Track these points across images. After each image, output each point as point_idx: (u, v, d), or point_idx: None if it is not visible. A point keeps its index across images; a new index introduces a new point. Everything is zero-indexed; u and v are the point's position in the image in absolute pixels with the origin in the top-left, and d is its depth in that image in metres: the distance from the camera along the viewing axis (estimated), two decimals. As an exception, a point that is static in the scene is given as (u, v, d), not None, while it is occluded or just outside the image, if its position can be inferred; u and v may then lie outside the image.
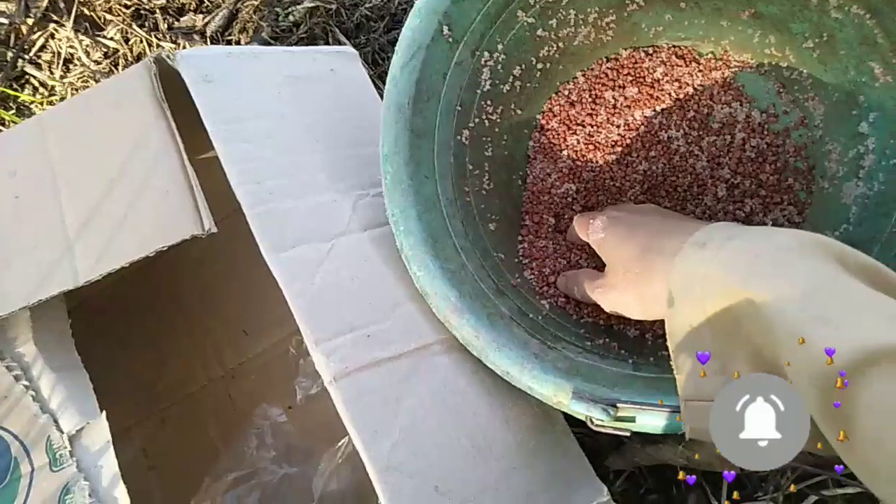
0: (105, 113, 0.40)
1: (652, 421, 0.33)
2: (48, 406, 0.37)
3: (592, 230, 0.41)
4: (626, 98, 0.49)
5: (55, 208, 0.38)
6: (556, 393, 0.34)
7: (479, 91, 0.45)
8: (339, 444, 0.47)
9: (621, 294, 0.37)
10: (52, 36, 0.73)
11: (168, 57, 0.40)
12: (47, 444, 0.36)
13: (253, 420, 0.52)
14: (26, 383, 0.37)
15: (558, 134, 0.50)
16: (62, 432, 0.36)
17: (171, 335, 0.57)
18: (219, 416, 0.55)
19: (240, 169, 0.37)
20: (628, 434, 0.33)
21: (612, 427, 0.33)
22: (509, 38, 0.44)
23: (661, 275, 0.33)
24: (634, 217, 0.40)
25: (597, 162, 0.49)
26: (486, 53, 0.44)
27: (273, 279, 0.35)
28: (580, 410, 0.33)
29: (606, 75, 0.51)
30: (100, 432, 0.36)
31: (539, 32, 0.46)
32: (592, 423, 0.33)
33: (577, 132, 0.50)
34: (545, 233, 0.49)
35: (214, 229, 0.36)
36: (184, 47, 0.69)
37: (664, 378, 0.35)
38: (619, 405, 0.33)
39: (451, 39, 0.41)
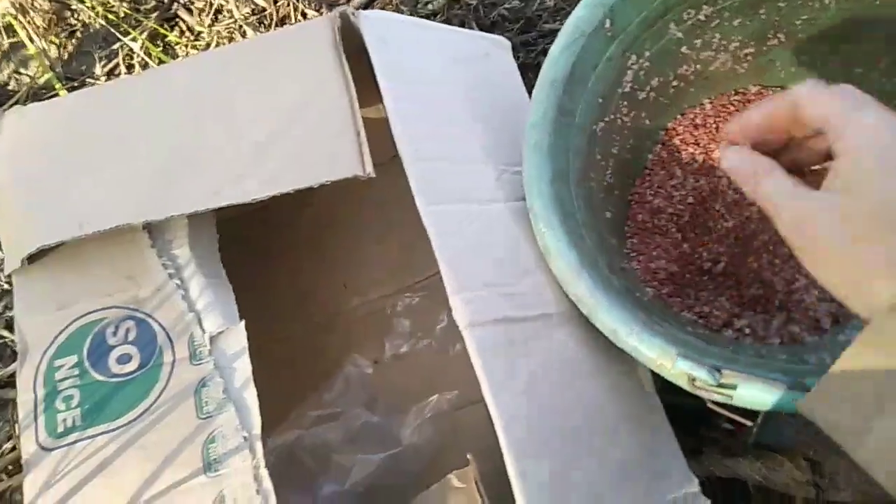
0: (287, 55, 0.43)
1: (758, 395, 0.31)
2: (195, 306, 0.40)
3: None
4: (748, 132, 0.51)
5: (233, 132, 0.41)
6: (661, 355, 0.34)
7: (619, 90, 0.47)
8: (429, 399, 0.49)
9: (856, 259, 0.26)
10: (208, -14, 0.79)
11: (352, 14, 0.43)
12: (190, 340, 0.39)
13: (342, 367, 0.55)
14: (178, 282, 0.40)
15: (679, 152, 0.52)
16: (204, 332, 0.39)
17: (274, 277, 0.61)
18: (307, 360, 0.57)
19: (405, 127, 0.40)
20: (736, 411, 0.32)
21: (714, 390, 0.32)
22: (657, 47, 0.47)
23: None
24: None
25: (706, 186, 0.51)
26: (633, 56, 0.46)
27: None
28: (685, 369, 0.32)
29: (733, 106, 0.52)
30: (237, 338, 0.39)
31: (683, 49, 0.48)
32: (694, 383, 0.32)
33: (696, 154, 0.52)
34: (652, 232, 0.51)
35: (373, 174, 0.39)
36: (324, 17, 0.73)
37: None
38: (723, 371, 0.32)
39: (609, 34, 0.44)
